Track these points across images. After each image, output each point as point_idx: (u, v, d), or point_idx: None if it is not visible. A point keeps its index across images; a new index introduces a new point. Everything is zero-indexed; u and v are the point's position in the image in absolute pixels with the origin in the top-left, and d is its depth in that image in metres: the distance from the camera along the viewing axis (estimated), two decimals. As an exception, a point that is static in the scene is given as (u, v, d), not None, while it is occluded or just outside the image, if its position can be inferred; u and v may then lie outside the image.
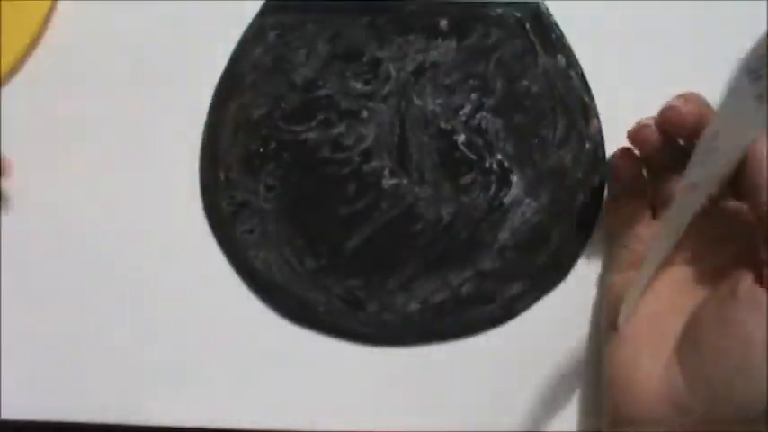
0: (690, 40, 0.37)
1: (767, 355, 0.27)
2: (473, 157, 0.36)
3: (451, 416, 0.34)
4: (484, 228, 0.36)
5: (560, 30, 0.37)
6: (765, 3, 0.37)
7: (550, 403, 0.34)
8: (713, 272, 0.31)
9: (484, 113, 0.37)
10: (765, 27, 0.36)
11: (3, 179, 0.36)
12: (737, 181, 0.30)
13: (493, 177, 0.36)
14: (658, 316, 0.31)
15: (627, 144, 0.33)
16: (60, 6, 0.39)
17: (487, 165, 0.36)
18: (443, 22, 0.38)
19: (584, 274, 0.35)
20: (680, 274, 0.32)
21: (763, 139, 0.29)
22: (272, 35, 0.38)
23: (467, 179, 0.36)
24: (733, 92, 0.27)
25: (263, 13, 0.38)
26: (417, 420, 0.34)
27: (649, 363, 0.30)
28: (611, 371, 0.32)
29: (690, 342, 0.30)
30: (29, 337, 0.35)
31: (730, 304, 0.29)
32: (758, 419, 0.29)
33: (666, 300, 0.31)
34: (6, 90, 0.38)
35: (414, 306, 0.35)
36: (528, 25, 0.37)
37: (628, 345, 0.31)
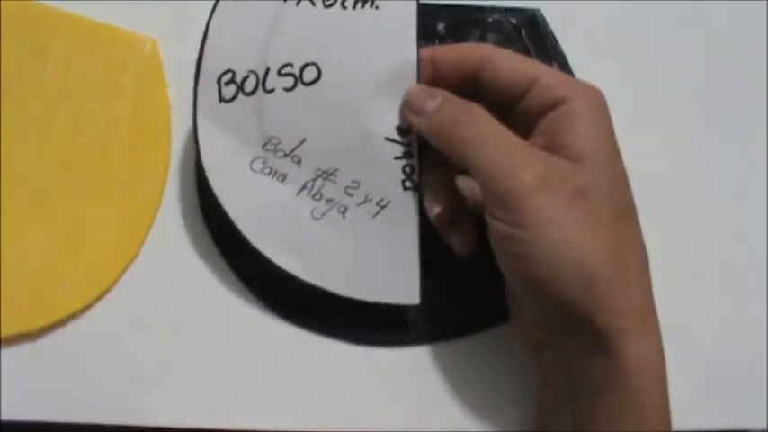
0: (687, 46, 0.38)
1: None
2: (469, 159, 0.37)
3: (449, 416, 0.35)
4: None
5: (555, 37, 0.38)
6: (765, 3, 0.38)
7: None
8: None
9: (480, 117, 0.37)
10: (765, 27, 0.38)
11: None
12: None
13: (489, 180, 0.37)
14: None
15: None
16: None
17: (483, 167, 0.37)
18: (441, 26, 0.38)
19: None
20: None
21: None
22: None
23: (463, 181, 0.37)
24: None
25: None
26: (415, 420, 0.35)
27: None
28: None
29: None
30: (28, 338, 0.34)
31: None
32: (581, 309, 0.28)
33: None
34: None
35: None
36: (524, 32, 0.38)
37: None
